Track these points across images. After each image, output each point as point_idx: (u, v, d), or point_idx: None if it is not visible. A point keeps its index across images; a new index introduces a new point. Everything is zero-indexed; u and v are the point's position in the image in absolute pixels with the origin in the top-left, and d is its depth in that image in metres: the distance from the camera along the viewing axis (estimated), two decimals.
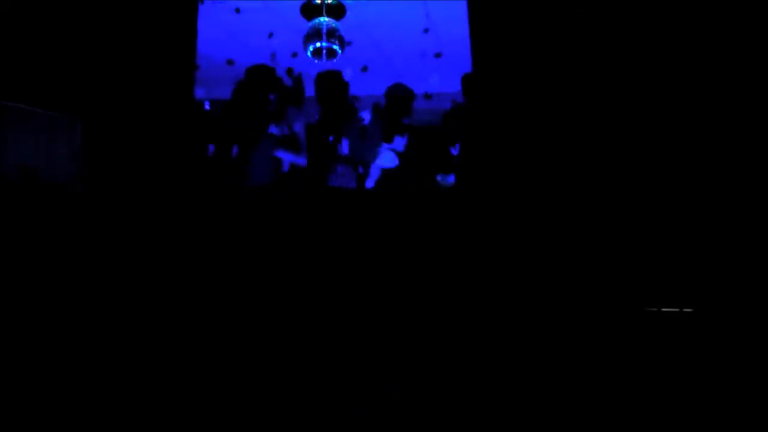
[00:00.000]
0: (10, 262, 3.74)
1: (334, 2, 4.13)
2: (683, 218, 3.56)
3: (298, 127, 4.36)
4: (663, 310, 3.50)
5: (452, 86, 4.53)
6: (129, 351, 3.55)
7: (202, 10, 4.42)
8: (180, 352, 3.53)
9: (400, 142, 4.59)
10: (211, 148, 4.61)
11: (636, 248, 3.60)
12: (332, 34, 4.02)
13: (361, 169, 4.49)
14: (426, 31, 4.67)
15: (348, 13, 4.30)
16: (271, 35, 4.79)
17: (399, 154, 4.52)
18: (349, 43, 4.28)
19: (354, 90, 4.77)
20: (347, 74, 4.55)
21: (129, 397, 3.09)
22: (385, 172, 4.51)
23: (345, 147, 4.55)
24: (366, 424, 2.95)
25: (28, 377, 3.21)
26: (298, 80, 4.34)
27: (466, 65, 4.06)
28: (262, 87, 4.31)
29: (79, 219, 4.13)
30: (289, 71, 4.36)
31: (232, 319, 3.87)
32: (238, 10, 4.59)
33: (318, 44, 4.02)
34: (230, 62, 4.95)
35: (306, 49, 4.11)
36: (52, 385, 3.20)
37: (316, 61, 4.12)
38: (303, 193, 4.36)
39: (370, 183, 4.55)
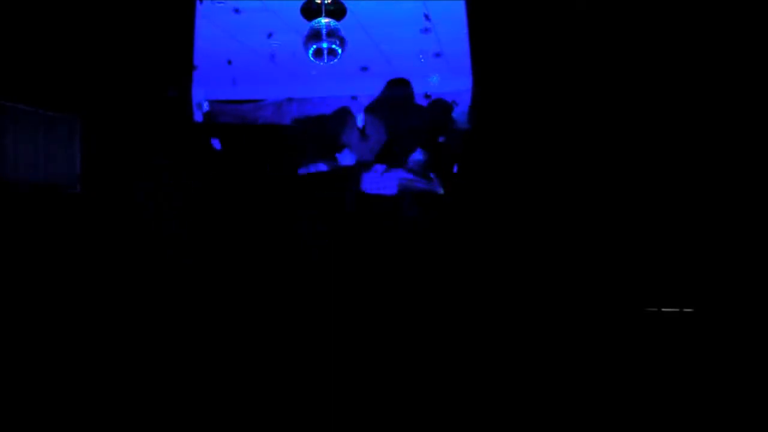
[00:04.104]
0: (10, 261, 3.73)
1: (334, 3, 4.12)
2: (683, 219, 3.60)
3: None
4: (663, 310, 3.54)
5: (452, 86, 4.56)
6: (133, 348, 3.56)
7: (201, 10, 4.39)
8: (184, 350, 3.54)
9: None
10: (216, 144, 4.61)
11: (636, 249, 3.63)
12: (333, 34, 4.02)
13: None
14: (426, 31, 4.65)
15: (348, 13, 4.29)
16: (270, 35, 4.77)
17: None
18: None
19: (354, 90, 4.76)
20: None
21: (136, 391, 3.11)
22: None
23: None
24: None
25: (21, 372, 3.28)
26: None
27: (465, 65, 4.07)
28: None
29: (79, 219, 4.12)
30: None
31: (230, 316, 3.88)
32: (237, 10, 4.57)
33: (319, 45, 4.02)
34: (229, 63, 4.95)
35: (307, 49, 4.10)
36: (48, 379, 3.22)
37: (316, 61, 4.11)
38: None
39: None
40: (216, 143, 4.56)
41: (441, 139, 4.42)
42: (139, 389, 3.13)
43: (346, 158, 4.58)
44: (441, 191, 4.30)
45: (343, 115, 4.71)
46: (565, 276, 3.61)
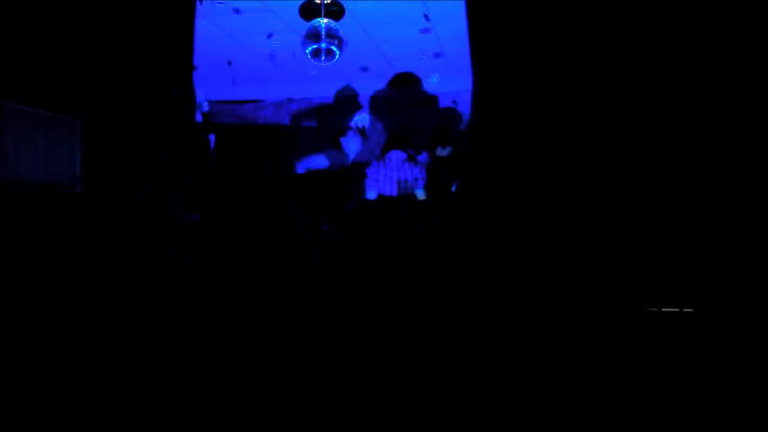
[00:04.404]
0: (10, 261, 3.75)
1: (334, 4, 4.12)
2: (683, 219, 3.57)
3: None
4: (663, 310, 3.51)
5: (452, 86, 4.59)
6: (133, 348, 3.49)
7: (201, 10, 4.39)
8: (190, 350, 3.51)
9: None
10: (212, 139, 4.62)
11: (636, 249, 3.60)
12: (331, 34, 4.01)
13: None
14: (425, 31, 4.65)
15: (347, 12, 4.28)
16: (270, 36, 4.78)
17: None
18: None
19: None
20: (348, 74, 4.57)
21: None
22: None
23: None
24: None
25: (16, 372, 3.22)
26: None
27: (466, 64, 4.04)
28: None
29: (79, 219, 4.14)
30: None
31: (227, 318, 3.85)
32: (237, 11, 4.58)
33: (317, 45, 4.01)
34: (229, 63, 4.96)
35: (305, 49, 4.10)
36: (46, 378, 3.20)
37: (314, 61, 4.11)
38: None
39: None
40: (211, 138, 4.53)
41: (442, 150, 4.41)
42: (139, 389, 3.09)
43: (350, 150, 4.56)
44: (423, 197, 4.29)
45: (346, 111, 4.69)
46: (565, 276, 3.59)
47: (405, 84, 4.67)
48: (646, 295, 3.57)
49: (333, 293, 3.86)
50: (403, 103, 4.62)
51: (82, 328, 3.68)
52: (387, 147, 4.49)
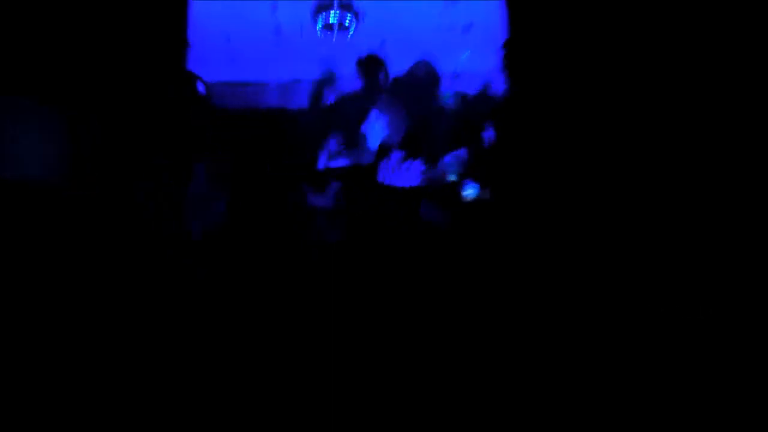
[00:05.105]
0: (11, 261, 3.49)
1: None
2: (697, 220, 3.43)
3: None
4: (678, 315, 3.36)
5: (484, 65, 4.29)
6: (133, 349, 3.38)
7: None
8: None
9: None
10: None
11: (649, 251, 3.46)
12: (345, 6, 3.69)
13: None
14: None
15: None
16: (274, 8, 4.49)
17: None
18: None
19: None
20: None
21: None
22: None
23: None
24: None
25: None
26: None
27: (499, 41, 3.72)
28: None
29: (70, 219, 3.79)
30: None
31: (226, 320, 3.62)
32: None
33: (328, 18, 3.68)
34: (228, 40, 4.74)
35: (315, 23, 3.77)
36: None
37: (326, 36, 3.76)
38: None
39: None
40: (201, 87, 4.28)
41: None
42: (139, 389, 3.12)
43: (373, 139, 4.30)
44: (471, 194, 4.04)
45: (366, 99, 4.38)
46: (577, 277, 3.48)
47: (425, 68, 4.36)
48: (660, 298, 3.43)
49: (333, 294, 3.73)
50: (424, 85, 4.30)
51: (82, 328, 3.49)
52: (403, 153, 4.19)
